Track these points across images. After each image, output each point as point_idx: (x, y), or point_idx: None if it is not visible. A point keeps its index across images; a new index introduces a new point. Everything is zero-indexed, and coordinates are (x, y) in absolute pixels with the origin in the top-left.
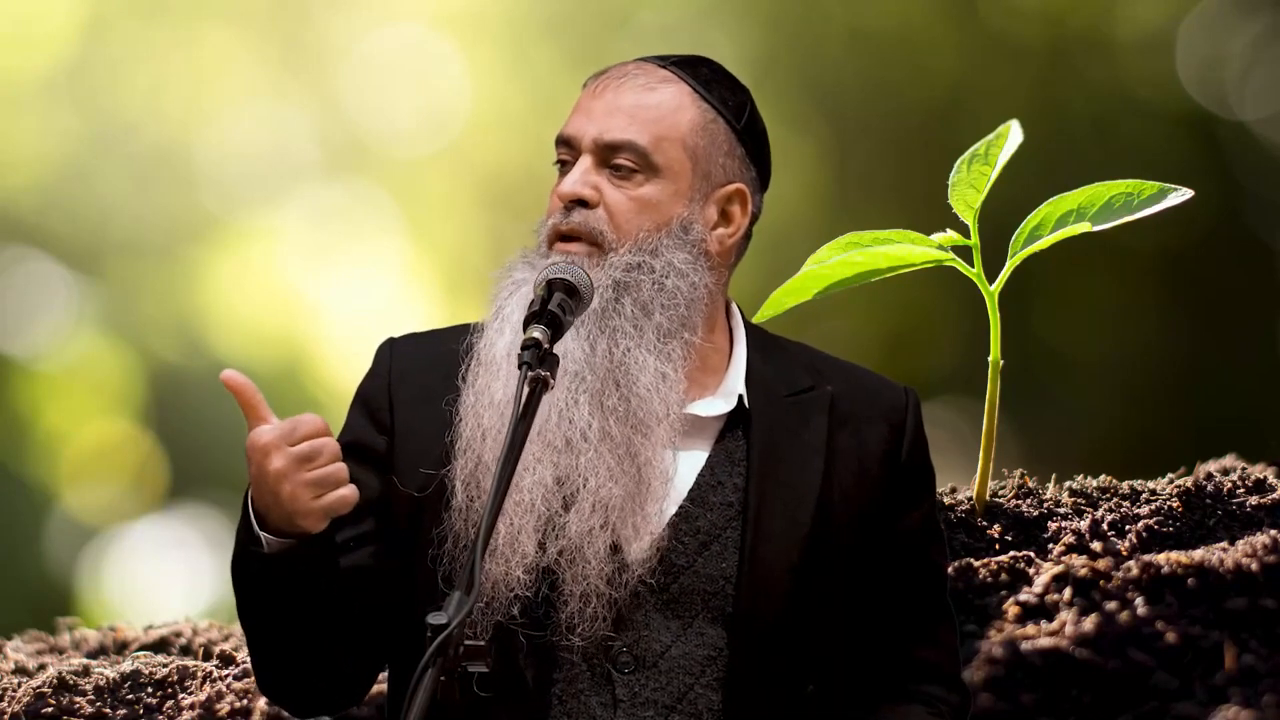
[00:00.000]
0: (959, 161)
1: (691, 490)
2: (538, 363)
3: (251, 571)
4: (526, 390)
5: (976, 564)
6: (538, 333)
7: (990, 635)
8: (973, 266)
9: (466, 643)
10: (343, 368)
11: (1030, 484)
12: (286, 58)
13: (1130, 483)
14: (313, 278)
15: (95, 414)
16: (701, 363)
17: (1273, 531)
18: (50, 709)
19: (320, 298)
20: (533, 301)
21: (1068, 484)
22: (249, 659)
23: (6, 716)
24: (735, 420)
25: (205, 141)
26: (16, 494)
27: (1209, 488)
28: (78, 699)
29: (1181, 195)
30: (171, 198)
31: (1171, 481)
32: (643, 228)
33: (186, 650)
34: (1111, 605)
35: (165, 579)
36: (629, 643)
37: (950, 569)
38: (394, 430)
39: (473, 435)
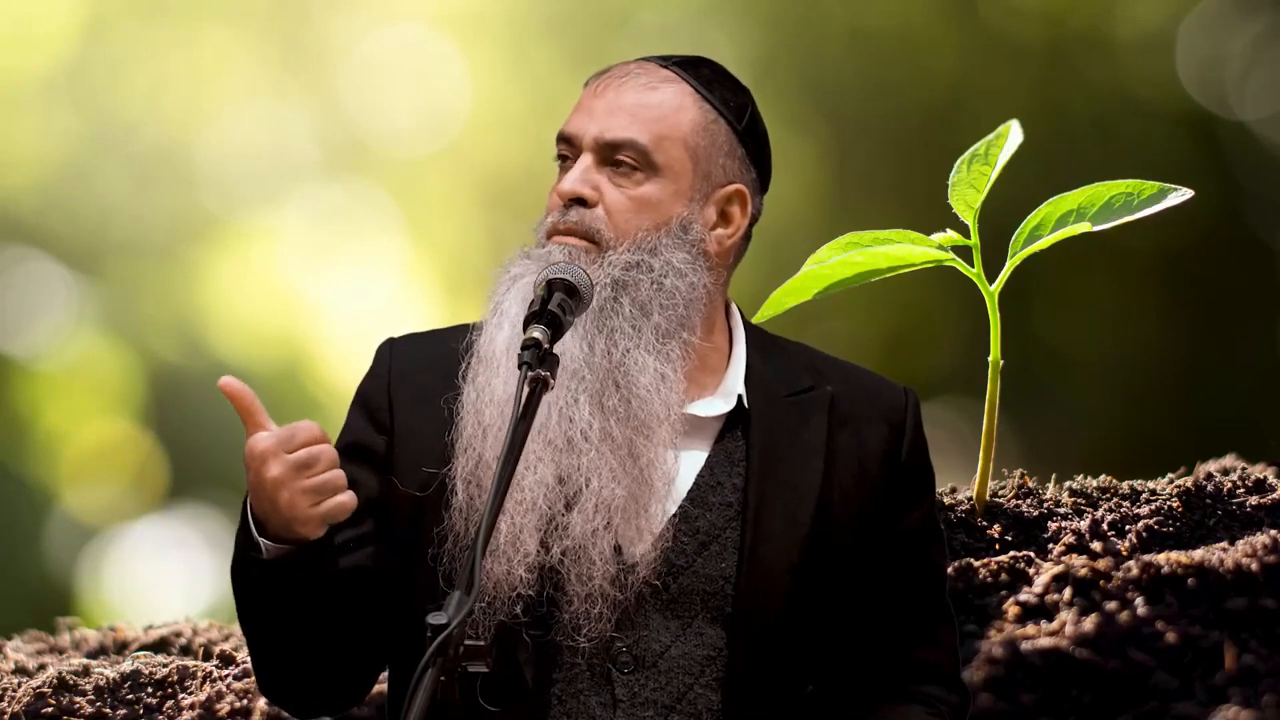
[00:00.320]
0: (959, 161)
1: (691, 490)
2: (538, 363)
3: (251, 577)
4: (526, 390)
5: (976, 564)
6: (538, 333)
7: (990, 635)
8: (973, 266)
9: (467, 643)
10: (343, 368)
11: (1030, 484)
12: (286, 58)
13: (1130, 483)
14: (313, 278)
15: (95, 414)
16: (701, 363)
17: (1273, 531)
18: (50, 709)
19: (320, 298)
20: (532, 301)
21: (1068, 484)
22: (249, 660)
23: (6, 716)
24: (735, 420)
25: (205, 141)
26: (16, 494)
27: (1209, 488)
28: (78, 699)
29: (1181, 195)
30: (171, 198)
31: (1171, 481)
32: (642, 227)
33: (186, 650)
34: (1111, 605)
35: (165, 579)
36: (629, 643)
37: (950, 569)
38: (394, 430)
39: (473, 432)
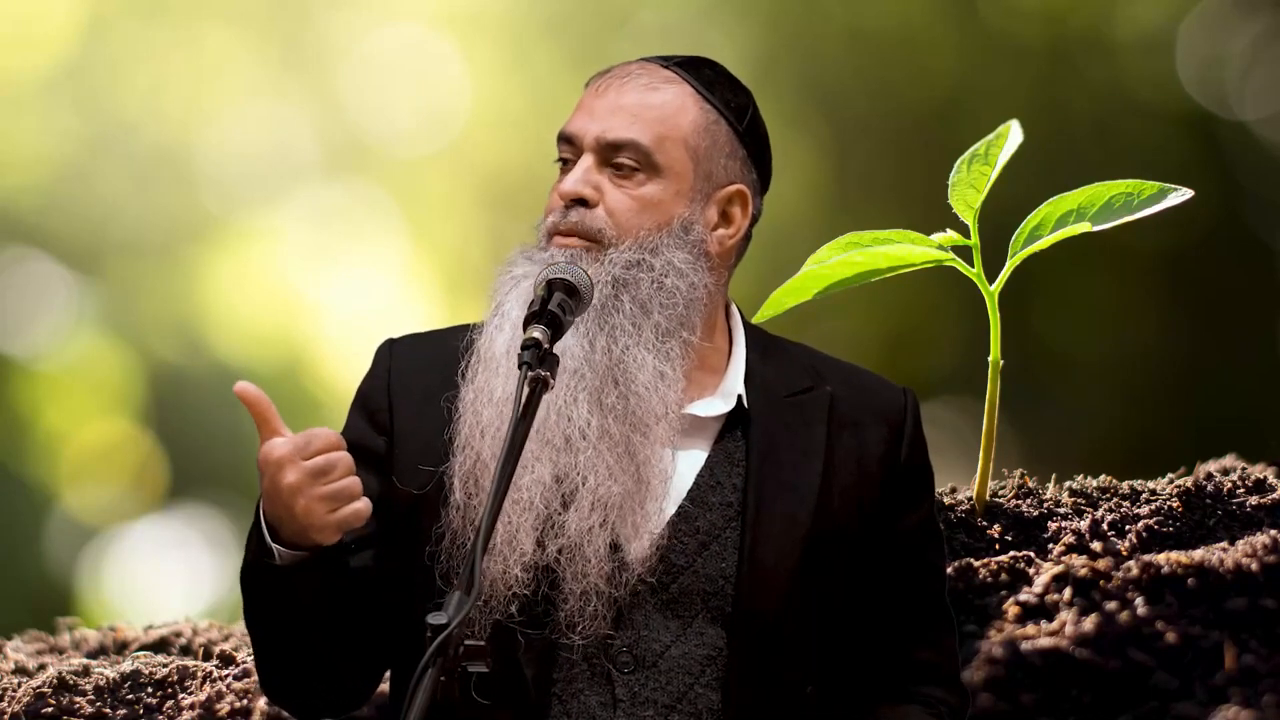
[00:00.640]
0: (959, 161)
1: (691, 490)
2: (538, 363)
3: (263, 583)
4: (526, 390)
5: (976, 564)
6: (538, 333)
7: (990, 635)
8: (973, 266)
9: (466, 643)
10: (343, 368)
11: (1030, 484)
12: (286, 58)
13: (1130, 483)
14: (313, 278)
15: (95, 414)
16: (701, 363)
17: (1273, 531)
18: (50, 709)
19: (320, 298)
20: (533, 301)
21: (1068, 484)
22: (253, 661)
23: (6, 716)
24: (734, 421)
25: (205, 141)
26: (16, 494)
27: (1209, 488)
28: (78, 699)
29: (1181, 195)
30: (171, 198)
31: (1171, 481)
32: (643, 227)
33: (186, 650)
34: (1111, 605)
35: (165, 579)
36: (628, 642)
37: (950, 569)
38: (393, 431)
39: (471, 432)
